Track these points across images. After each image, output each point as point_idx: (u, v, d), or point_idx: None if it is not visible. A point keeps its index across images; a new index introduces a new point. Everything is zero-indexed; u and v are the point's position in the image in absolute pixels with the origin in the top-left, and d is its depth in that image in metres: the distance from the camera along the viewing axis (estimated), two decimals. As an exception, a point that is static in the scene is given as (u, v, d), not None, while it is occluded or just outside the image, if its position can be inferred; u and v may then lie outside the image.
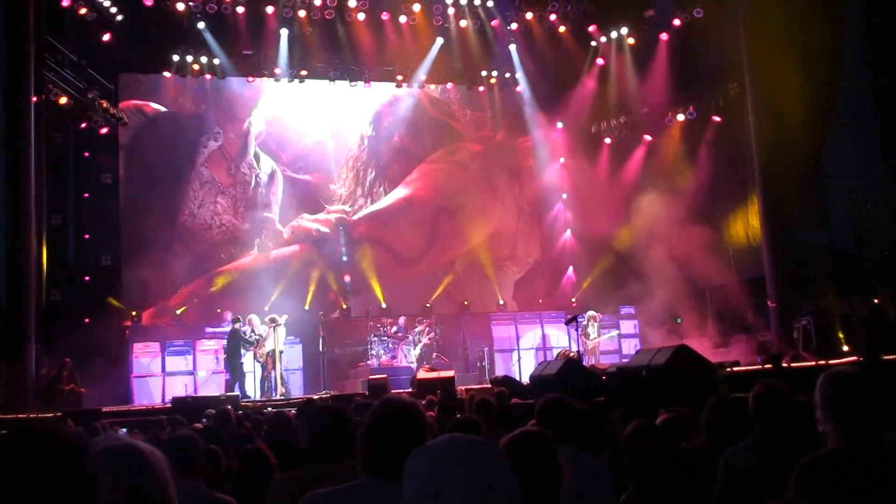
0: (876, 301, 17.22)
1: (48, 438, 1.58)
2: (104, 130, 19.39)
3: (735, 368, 13.97)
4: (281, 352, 17.60)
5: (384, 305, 21.39)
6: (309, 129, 22.34)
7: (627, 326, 21.37)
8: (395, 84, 22.34)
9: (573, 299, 22.52)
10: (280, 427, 7.31)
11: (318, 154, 22.36)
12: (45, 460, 1.55)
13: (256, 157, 21.92)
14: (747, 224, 20.14)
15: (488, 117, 23.59)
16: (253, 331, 17.66)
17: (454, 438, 2.11)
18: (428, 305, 21.53)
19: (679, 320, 20.28)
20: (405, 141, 22.91)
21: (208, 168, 21.65)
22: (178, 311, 20.11)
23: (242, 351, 17.46)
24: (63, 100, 17.92)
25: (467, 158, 23.48)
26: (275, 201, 21.93)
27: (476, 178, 23.47)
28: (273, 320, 17.63)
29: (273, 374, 17.42)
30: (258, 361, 17.70)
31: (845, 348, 16.17)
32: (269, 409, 13.47)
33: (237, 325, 17.60)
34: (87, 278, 19.48)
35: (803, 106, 17.76)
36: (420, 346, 19.17)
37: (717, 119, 20.87)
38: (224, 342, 17.93)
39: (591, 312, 19.38)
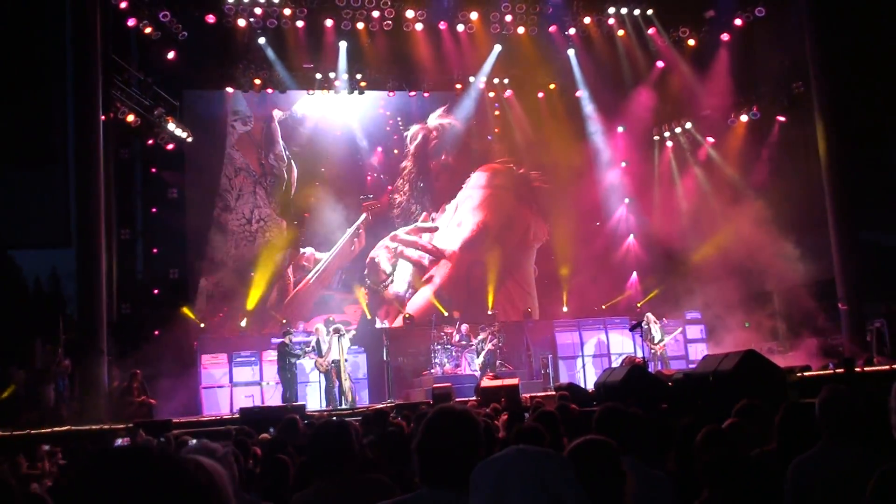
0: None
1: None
2: (170, 146, 19.84)
3: (806, 373, 13.67)
4: (346, 360, 17.74)
5: (446, 314, 21.41)
6: (339, 130, 22.27)
7: (693, 331, 21.05)
8: (454, 92, 22.48)
9: (638, 304, 22.25)
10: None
11: (352, 156, 22.29)
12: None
13: (284, 147, 21.90)
14: (816, 225, 19.68)
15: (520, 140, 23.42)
16: (318, 341, 17.82)
17: (522, 451, 2.10)
18: (490, 313, 21.50)
19: (747, 324, 19.91)
20: (451, 159, 22.99)
21: (240, 152, 21.59)
22: (242, 323, 20.34)
23: (295, 362, 17.66)
24: (130, 118, 18.38)
25: (508, 181, 23.44)
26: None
27: (516, 198, 23.47)
28: (337, 330, 17.77)
29: (337, 384, 17.56)
30: (320, 371, 17.87)
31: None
32: (334, 418, 13.57)
33: (285, 339, 17.79)
34: (156, 291, 19.89)
35: (872, 102, 17.36)
36: (483, 353, 19.12)
37: (781, 119, 20.49)
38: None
39: (648, 315, 19.17)
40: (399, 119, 22.53)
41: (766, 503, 3.70)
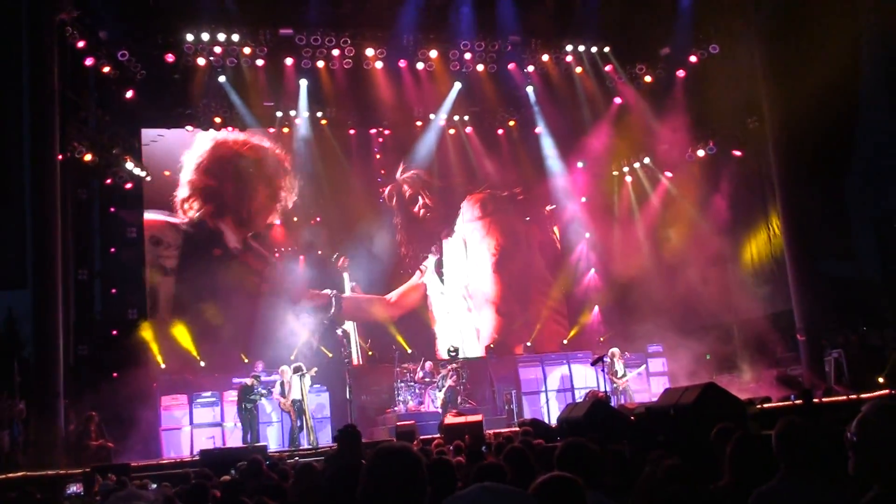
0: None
1: None
2: (128, 186, 19.66)
3: (766, 405, 13.79)
4: (300, 401, 17.67)
5: (409, 351, 21.32)
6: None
7: (656, 364, 21.16)
8: (414, 128, 22.66)
9: (601, 338, 22.37)
10: (306, 478, 7.27)
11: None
12: None
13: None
14: (773, 257, 19.99)
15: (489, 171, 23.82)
16: (283, 382, 17.71)
17: (486, 488, 2.10)
18: (452, 349, 21.41)
19: (708, 356, 20.07)
20: (429, 201, 23.49)
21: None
22: (202, 363, 20.01)
23: (251, 407, 17.46)
24: (88, 157, 18.17)
25: (497, 205, 23.95)
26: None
27: (512, 216, 24.13)
28: (297, 369, 17.66)
29: (300, 424, 17.42)
30: (283, 411, 17.78)
31: (881, 379, 15.89)
32: (296, 458, 13.43)
33: (248, 382, 17.59)
34: (114, 332, 19.57)
35: (824, 136, 17.72)
36: (444, 390, 19.03)
37: (737, 153, 20.82)
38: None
39: (613, 350, 19.24)
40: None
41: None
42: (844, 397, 14.04)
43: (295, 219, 22.21)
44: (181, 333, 19.90)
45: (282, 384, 17.75)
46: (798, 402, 13.57)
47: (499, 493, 2.08)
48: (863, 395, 13.15)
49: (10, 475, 13.04)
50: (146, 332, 19.31)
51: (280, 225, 22.12)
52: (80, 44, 18.01)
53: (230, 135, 21.43)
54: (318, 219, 22.25)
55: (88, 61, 18.41)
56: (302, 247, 22.04)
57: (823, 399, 13.97)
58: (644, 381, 20.69)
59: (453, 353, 20.98)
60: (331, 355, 20.92)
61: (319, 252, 21.99)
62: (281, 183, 22.08)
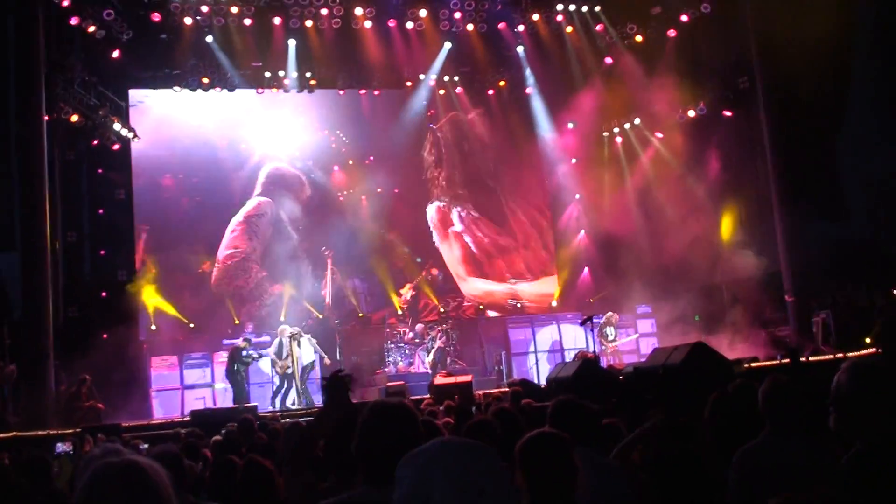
0: (896, 292, 17.10)
1: None
2: (116, 147, 19.52)
3: (753, 364, 13.88)
4: (312, 362, 17.83)
5: (400, 312, 21.36)
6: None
7: (645, 325, 21.28)
8: (404, 89, 22.51)
9: (591, 299, 22.43)
10: (295, 437, 7.29)
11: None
12: None
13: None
14: (762, 218, 19.99)
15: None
16: (281, 342, 17.76)
17: (444, 443, 2.09)
18: (443, 311, 21.48)
19: (697, 317, 20.16)
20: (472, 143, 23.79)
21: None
22: (191, 325, 20.03)
23: (243, 369, 17.52)
24: (74, 118, 18.00)
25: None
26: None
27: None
28: (296, 334, 17.75)
29: (287, 387, 17.55)
30: (277, 373, 17.83)
31: (867, 340, 15.98)
32: (287, 419, 13.50)
33: (240, 343, 17.61)
34: (103, 294, 19.53)
35: (816, 96, 17.66)
36: (433, 351, 19.11)
37: (728, 114, 20.75)
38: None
39: (608, 314, 19.30)
40: (338, 132, 22.41)
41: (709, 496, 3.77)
42: (831, 356, 14.14)
43: (350, 161, 22.32)
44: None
45: (280, 344, 17.78)
46: (785, 361, 13.66)
47: (457, 446, 2.07)
48: (849, 355, 13.26)
49: (2, 435, 13.06)
50: (136, 294, 19.28)
51: (339, 170, 22.23)
52: (66, 2, 17.74)
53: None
54: (371, 158, 22.34)
55: (73, 20, 18.13)
56: (362, 187, 22.17)
57: (810, 358, 14.07)
58: (633, 343, 20.83)
59: (443, 314, 21.06)
60: (320, 316, 20.93)
61: (379, 190, 22.04)
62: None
